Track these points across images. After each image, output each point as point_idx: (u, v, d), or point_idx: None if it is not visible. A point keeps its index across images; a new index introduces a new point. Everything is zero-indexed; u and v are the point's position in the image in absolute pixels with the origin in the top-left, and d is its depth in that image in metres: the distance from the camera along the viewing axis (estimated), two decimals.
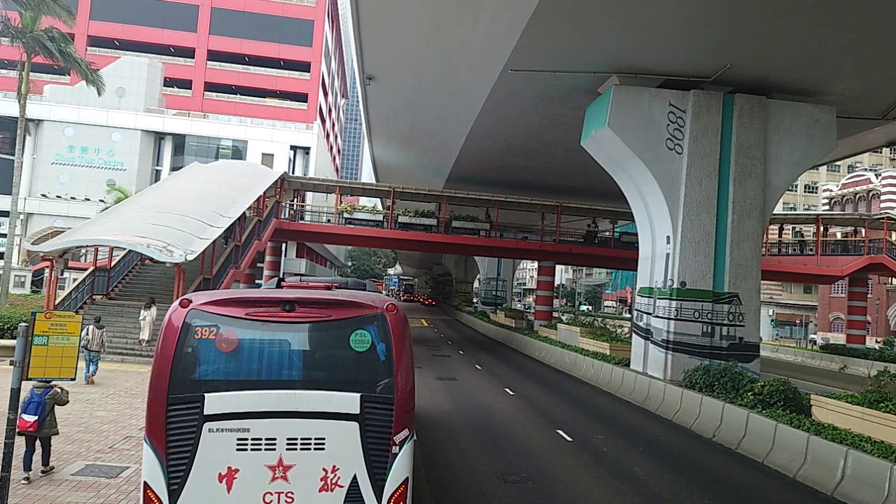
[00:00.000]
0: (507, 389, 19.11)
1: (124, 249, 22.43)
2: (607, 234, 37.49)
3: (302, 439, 5.39)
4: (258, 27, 56.76)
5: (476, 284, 73.01)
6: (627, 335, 26.21)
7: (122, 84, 49.12)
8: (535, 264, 54.65)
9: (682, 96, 18.96)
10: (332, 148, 79.78)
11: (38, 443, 8.19)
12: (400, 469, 5.54)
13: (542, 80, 20.08)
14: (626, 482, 10.44)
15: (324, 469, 5.41)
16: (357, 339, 5.77)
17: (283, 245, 44.85)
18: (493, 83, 20.74)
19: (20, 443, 7.72)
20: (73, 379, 7.76)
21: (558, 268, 46.10)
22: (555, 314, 43.55)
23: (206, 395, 5.32)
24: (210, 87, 57.35)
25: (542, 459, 11.48)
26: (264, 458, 5.33)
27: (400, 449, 5.56)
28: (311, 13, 58.01)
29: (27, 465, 8.04)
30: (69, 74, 31.90)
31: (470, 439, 12.67)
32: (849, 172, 65.71)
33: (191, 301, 5.59)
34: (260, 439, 5.33)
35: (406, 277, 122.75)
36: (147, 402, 5.38)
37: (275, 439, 5.35)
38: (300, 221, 33.39)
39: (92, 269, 22.70)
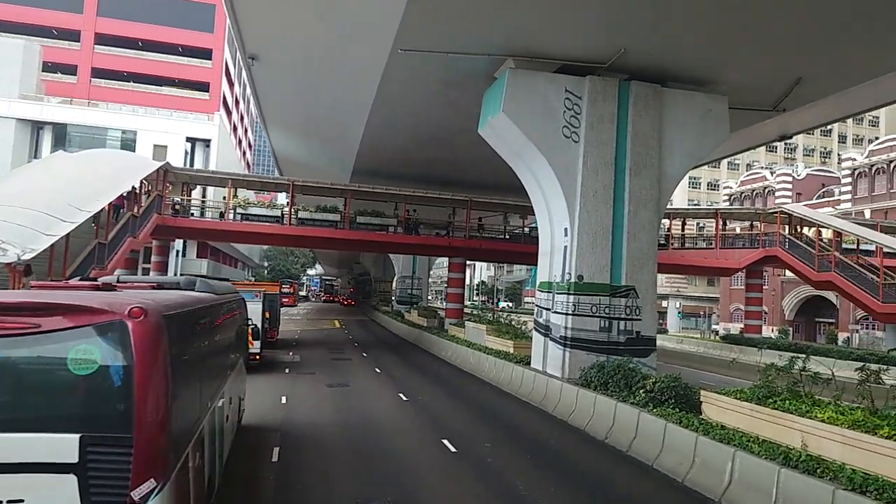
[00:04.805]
0: (400, 395, 17.71)
1: None
2: (526, 229, 36.84)
3: None
4: (154, 10, 52.57)
5: (395, 284, 71.35)
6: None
7: None
8: None
9: (578, 82, 18.22)
10: (241, 142, 75.65)
11: None
12: None
13: (440, 63, 18.79)
14: (504, 499, 9.30)
15: None
16: (78, 357, 4.14)
17: (180, 243, 41.53)
18: (385, 63, 19.25)
19: None
20: None
21: (479, 265, 45.60)
22: (469, 312, 42.69)
23: None
24: (98, 73, 52.44)
25: (415, 478, 10.16)
26: None
27: None
28: None
29: None
30: None
31: (341, 456, 11.16)
32: (747, 170, 69.26)
33: None
34: None
35: (328, 278, 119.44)
36: None
37: None
38: (188, 218, 30.58)
39: None
